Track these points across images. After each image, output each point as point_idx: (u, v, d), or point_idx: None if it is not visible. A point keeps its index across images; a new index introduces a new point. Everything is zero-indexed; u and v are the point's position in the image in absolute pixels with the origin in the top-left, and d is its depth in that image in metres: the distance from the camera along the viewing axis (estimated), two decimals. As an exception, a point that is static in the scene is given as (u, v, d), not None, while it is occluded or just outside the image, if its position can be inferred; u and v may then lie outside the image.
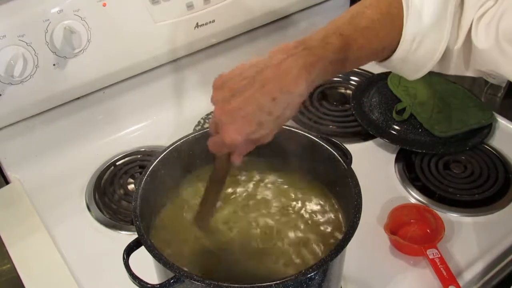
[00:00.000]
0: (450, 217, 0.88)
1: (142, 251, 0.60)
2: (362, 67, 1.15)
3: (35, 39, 0.83)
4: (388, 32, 0.64)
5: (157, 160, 0.69)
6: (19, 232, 0.86)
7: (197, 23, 1.00)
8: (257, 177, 0.75)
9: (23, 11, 0.82)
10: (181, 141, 0.71)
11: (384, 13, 0.63)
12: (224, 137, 0.57)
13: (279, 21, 1.16)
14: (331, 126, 1.06)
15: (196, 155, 0.72)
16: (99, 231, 0.87)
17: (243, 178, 0.75)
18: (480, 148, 1.00)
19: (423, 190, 0.92)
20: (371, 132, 1.02)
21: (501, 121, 1.05)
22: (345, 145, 0.71)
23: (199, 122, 1.06)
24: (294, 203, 0.72)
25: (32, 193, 0.93)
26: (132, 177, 0.96)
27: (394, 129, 1.02)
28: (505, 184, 0.93)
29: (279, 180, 0.75)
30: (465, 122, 1.01)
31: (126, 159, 1.00)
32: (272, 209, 0.72)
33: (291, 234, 0.68)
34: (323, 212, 0.71)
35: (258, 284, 0.55)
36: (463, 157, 0.98)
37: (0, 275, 0.89)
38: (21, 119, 0.93)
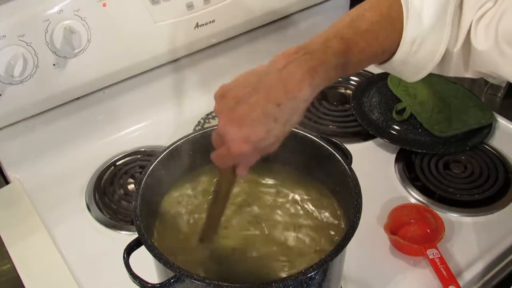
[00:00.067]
0: (450, 217, 0.88)
1: (142, 251, 0.60)
2: (362, 67, 1.16)
3: (35, 39, 0.83)
4: (388, 35, 0.64)
5: (157, 160, 0.68)
6: (19, 232, 0.86)
7: (197, 23, 1.00)
8: (256, 177, 0.75)
9: (23, 11, 0.82)
10: (181, 141, 0.71)
11: (384, 15, 0.63)
12: (230, 148, 0.55)
13: (279, 21, 1.16)
14: (331, 126, 1.06)
15: (196, 155, 0.72)
16: (99, 231, 0.87)
17: (242, 178, 0.75)
18: (480, 148, 1.00)
19: (423, 190, 0.92)
20: (371, 132, 1.02)
21: (501, 121, 1.05)
22: (345, 145, 0.71)
23: (199, 122, 1.05)
24: (294, 203, 0.72)
25: (32, 193, 0.93)
26: (132, 177, 0.96)
27: (394, 129, 1.02)
28: (505, 184, 0.93)
29: (279, 180, 0.75)
30: (465, 122, 1.01)
31: (126, 159, 1.00)
32: (271, 209, 0.71)
33: (291, 234, 0.68)
34: (323, 212, 0.71)
35: (258, 284, 0.55)
36: (463, 157, 0.98)
37: (0, 275, 0.88)
38: (21, 119, 0.92)
